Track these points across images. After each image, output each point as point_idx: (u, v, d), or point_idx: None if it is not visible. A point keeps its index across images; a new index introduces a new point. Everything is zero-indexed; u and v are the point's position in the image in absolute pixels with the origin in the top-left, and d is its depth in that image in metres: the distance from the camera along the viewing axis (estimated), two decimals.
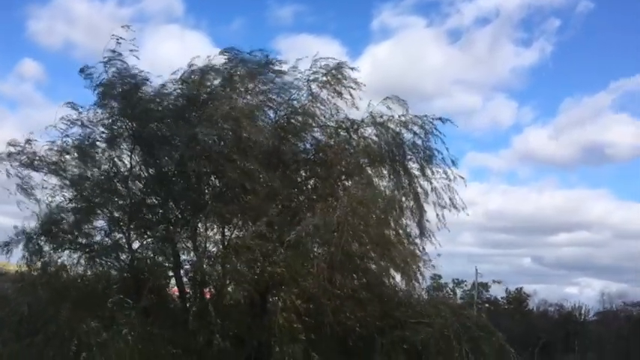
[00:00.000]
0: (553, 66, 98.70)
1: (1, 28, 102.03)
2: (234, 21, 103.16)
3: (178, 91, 19.40)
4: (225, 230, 19.00)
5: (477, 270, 60.43)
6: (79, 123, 20.41)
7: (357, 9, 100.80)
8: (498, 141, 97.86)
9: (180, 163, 18.36)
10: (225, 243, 17.99)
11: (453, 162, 19.97)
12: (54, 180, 20.63)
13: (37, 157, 20.30)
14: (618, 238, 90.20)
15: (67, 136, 20.50)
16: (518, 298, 62.25)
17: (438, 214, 20.13)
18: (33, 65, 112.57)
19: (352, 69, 19.91)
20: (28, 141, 19.98)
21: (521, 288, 62.93)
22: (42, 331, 16.64)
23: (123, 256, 19.99)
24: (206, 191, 18.80)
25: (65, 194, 20.74)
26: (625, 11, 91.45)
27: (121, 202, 20.30)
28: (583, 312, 52.18)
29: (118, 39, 19.27)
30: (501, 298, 65.62)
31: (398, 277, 19.29)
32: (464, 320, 18.27)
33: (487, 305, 58.95)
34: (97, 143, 20.26)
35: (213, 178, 18.29)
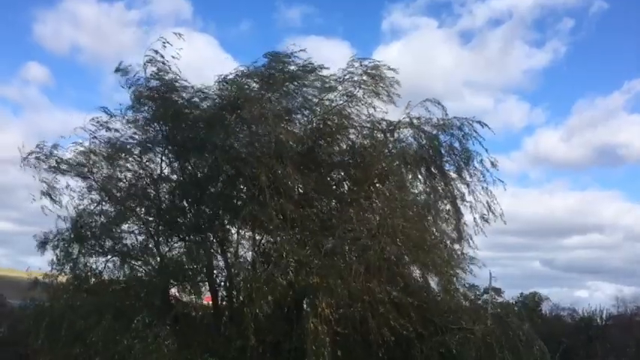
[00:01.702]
0: (566, 67, 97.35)
1: (7, 32, 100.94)
2: (242, 23, 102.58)
3: (215, 94, 18.47)
4: (258, 235, 18.01)
5: (490, 274, 59.29)
6: (108, 127, 19.59)
7: (366, 10, 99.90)
8: (510, 143, 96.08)
9: (214, 167, 17.44)
10: (259, 249, 16.94)
11: (492, 164, 18.99)
12: (81, 183, 19.85)
13: (64, 161, 19.48)
14: (630, 240, 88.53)
15: (95, 138, 19.70)
16: (532, 303, 60.88)
17: (475, 218, 19.17)
18: (39, 69, 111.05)
19: (391, 69, 18.88)
20: (55, 145, 19.22)
21: (535, 292, 61.48)
22: (80, 341, 15.75)
23: (152, 261, 19.11)
24: (240, 195, 17.75)
25: (93, 197, 19.94)
26: (638, 11, 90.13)
27: (151, 205, 19.42)
28: (604, 316, 50.74)
29: (164, 42, 18.41)
30: (514, 302, 64.21)
31: (435, 282, 18.42)
32: (506, 328, 17.28)
33: (499, 310, 57.69)
34: (128, 146, 19.38)
35: (247, 182, 17.21)
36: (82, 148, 19.57)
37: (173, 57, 18.50)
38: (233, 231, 18.90)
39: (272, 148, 16.58)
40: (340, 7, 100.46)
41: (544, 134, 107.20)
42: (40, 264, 19.77)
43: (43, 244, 19.05)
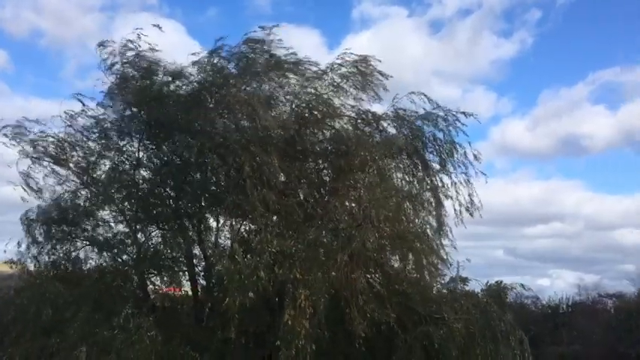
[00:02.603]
0: (533, 57, 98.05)
1: None
2: (210, 9, 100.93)
3: (194, 76, 17.89)
4: (239, 225, 17.51)
5: (458, 263, 59.48)
6: (86, 114, 18.98)
7: None
8: (476, 132, 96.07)
9: (194, 153, 16.90)
10: (242, 238, 16.42)
11: (475, 157, 18.65)
12: (58, 169, 19.17)
13: (40, 147, 18.79)
14: (590, 229, 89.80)
15: (71, 126, 19.06)
16: (497, 291, 60.93)
17: (455, 210, 18.90)
18: None
19: (379, 61, 18.48)
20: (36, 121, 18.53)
21: (501, 281, 61.46)
22: (56, 332, 15.16)
23: (130, 250, 18.57)
24: (221, 183, 17.21)
25: (69, 184, 19.30)
26: (604, 3, 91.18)
27: (129, 192, 18.80)
28: (570, 304, 51.36)
29: (139, 34, 17.89)
30: (480, 290, 64.15)
31: (416, 272, 18.16)
32: (488, 317, 17.10)
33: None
34: (106, 132, 18.75)
35: (230, 170, 16.69)
36: (60, 135, 18.97)
37: (151, 49, 18.06)
38: (213, 220, 18.45)
39: (256, 135, 16.10)
40: None
41: (510, 124, 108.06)
42: None
43: (29, 227, 18.35)
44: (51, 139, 18.89)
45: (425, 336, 16.49)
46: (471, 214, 18.71)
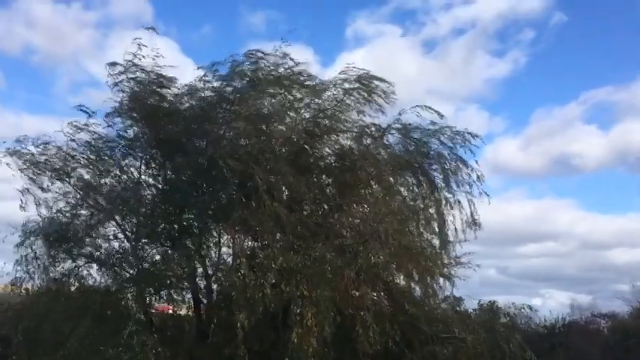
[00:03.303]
0: (526, 77, 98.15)
1: None
2: (204, 27, 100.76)
3: (202, 93, 17.70)
4: (246, 241, 17.20)
5: (453, 283, 59.04)
6: (87, 129, 18.70)
7: (331, 16, 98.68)
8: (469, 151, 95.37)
9: (201, 169, 16.61)
10: (250, 255, 16.09)
11: (478, 177, 18.50)
12: (59, 185, 18.86)
13: (43, 161, 18.50)
14: (583, 248, 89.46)
15: (73, 140, 18.75)
16: (490, 311, 60.47)
17: (455, 228, 18.69)
18: None
19: (381, 80, 18.42)
20: (45, 142, 18.28)
21: (494, 301, 61.03)
22: (61, 347, 14.77)
23: (130, 268, 18.19)
24: (228, 199, 16.89)
25: (69, 200, 18.95)
26: (597, 23, 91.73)
27: (130, 209, 18.45)
28: (566, 323, 50.88)
29: (139, 45, 17.66)
30: (473, 310, 63.63)
31: (423, 291, 17.92)
32: (496, 337, 16.83)
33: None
34: (109, 149, 18.49)
35: (238, 184, 16.42)
36: (60, 151, 18.65)
37: (154, 58, 17.88)
38: (215, 236, 18.13)
39: (266, 148, 15.92)
40: (305, 13, 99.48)
41: (503, 143, 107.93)
42: None
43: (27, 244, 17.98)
44: (52, 153, 18.58)
45: (432, 355, 16.26)
46: (476, 228, 18.43)
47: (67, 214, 18.78)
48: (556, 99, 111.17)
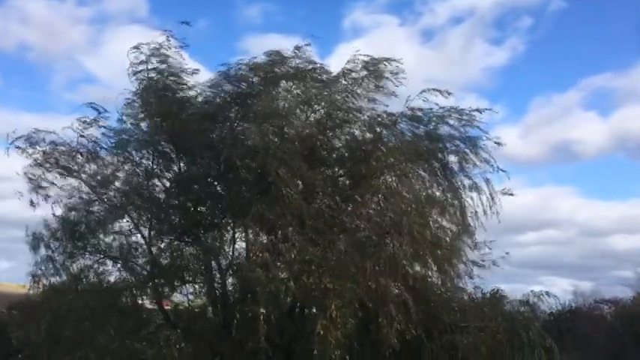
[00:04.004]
0: (524, 65, 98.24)
1: None
2: (200, 21, 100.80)
3: (219, 88, 17.89)
4: (266, 235, 17.28)
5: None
6: (98, 123, 18.78)
7: (327, 8, 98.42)
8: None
9: (218, 163, 16.72)
10: (272, 248, 16.19)
11: (497, 144, 18.38)
12: (70, 181, 18.89)
13: (54, 156, 18.53)
14: (584, 235, 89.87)
15: (83, 136, 18.78)
16: (494, 299, 60.74)
17: (476, 212, 18.65)
18: None
19: (395, 60, 18.45)
20: (52, 140, 18.25)
21: (497, 289, 61.32)
22: (82, 344, 14.89)
23: (147, 262, 18.31)
24: (246, 193, 17.01)
25: (83, 196, 19.00)
26: (595, 9, 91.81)
27: (144, 202, 18.53)
28: (570, 310, 51.28)
29: (168, 36, 17.89)
30: (477, 298, 63.92)
31: (440, 279, 18.07)
32: (516, 326, 16.98)
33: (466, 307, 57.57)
34: (123, 141, 18.55)
35: (256, 178, 16.53)
36: (70, 148, 18.67)
37: (177, 48, 18.07)
38: (231, 230, 18.23)
39: (281, 144, 16.04)
40: (301, 4, 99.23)
41: (502, 131, 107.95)
42: None
43: (36, 245, 18.05)
44: (62, 149, 18.60)
45: (451, 345, 16.39)
46: (496, 211, 18.35)
47: (80, 211, 18.83)
48: (555, 86, 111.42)
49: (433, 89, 18.40)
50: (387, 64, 18.39)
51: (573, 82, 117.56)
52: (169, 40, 17.89)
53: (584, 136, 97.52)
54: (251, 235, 16.95)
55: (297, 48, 18.06)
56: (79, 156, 18.81)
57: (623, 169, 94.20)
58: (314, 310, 16.08)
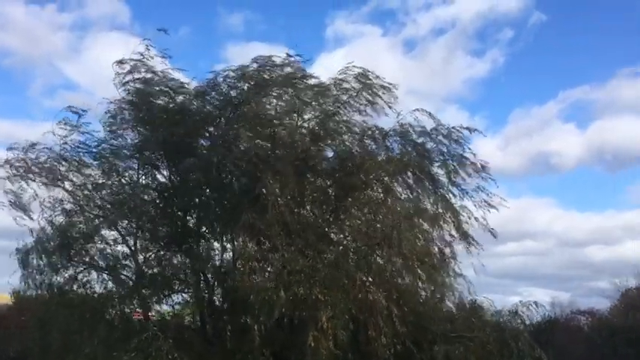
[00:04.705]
0: (504, 77, 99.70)
1: None
2: (182, 28, 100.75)
3: (208, 97, 18.01)
4: (255, 245, 17.40)
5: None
6: (79, 129, 18.83)
7: (310, 17, 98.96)
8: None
9: (215, 169, 16.80)
10: (259, 256, 16.34)
11: (482, 167, 18.66)
12: (53, 192, 18.83)
13: (37, 165, 18.43)
14: (561, 246, 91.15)
15: (66, 143, 18.78)
16: (473, 310, 61.20)
17: (465, 225, 18.98)
18: None
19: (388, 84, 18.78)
20: (33, 145, 18.22)
21: (475, 300, 61.82)
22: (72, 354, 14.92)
23: (132, 273, 18.34)
24: (235, 203, 17.12)
25: (65, 207, 18.96)
26: (575, 22, 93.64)
27: (130, 212, 18.53)
28: (549, 321, 51.86)
29: (147, 45, 18.01)
30: (464, 308, 64.24)
31: (429, 290, 18.33)
32: (505, 335, 17.31)
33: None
34: (108, 151, 18.59)
35: (244, 188, 16.67)
36: (53, 155, 18.63)
37: (162, 57, 18.24)
38: (220, 239, 18.35)
39: (271, 153, 16.21)
40: (283, 13, 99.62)
41: (482, 142, 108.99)
42: None
43: (25, 259, 17.98)
44: (44, 159, 18.53)
45: (441, 355, 16.63)
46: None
47: (64, 221, 18.78)
48: (534, 98, 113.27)
49: (424, 110, 18.81)
50: (380, 80, 18.62)
51: (553, 94, 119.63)
52: (149, 50, 18.04)
53: (562, 148, 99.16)
54: (241, 244, 16.98)
55: (288, 55, 18.23)
56: (63, 163, 18.69)
57: (600, 181, 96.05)
58: (304, 321, 16.21)
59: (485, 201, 18.58)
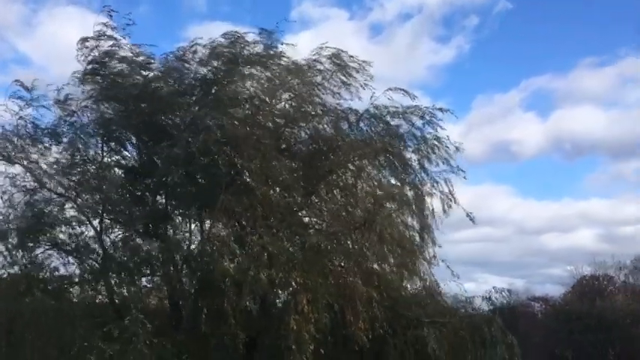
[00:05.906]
0: (469, 64, 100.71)
1: None
2: (142, 6, 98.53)
3: (175, 74, 17.95)
4: (231, 228, 17.54)
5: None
6: (34, 105, 18.56)
7: None
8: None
9: (198, 149, 16.79)
10: (240, 241, 16.48)
11: (457, 148, 19.10)
12: (12, 168, 18.58)
13: None
14: (518, 234, 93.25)
15: (22, 118, 18.51)
16: (445, 295, 62.32)
17: (433, 209, 19.45)
18: None
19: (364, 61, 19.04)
20: None
21: (442, 285, 62.91)
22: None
23: (100, 256, 18.28)
24: (210, 184, 17.19)
25: (26, 184, 18.73)
26: (540, 10, 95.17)
27: (93, 192, 18.39)
28: (506, 307, 53.22)
29: (109, 11, 17.70)
30: (427, 295, 65.31)
31: (403, 276, 18.80)
32: (478, 321, 17.92)
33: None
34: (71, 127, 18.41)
35: (220, 169, 16.74)
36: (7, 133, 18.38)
37: (125, 28, 18.14)
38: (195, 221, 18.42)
39: (247, 134, 16.32)
40: None
41: (447, 128, 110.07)
42: None
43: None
44: None
45: (414, 339, 17.16)
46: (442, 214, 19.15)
47: (23, 200, 18.56)
48: (498, 86, 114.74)
49: (399, 89, 19.12)
50: (354, 60, 18.85)
51: (515, 82, 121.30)
52: (108, 25, 17.92)
53: (522, 137, 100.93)
54: (217, 227, 17.10)
55: (262, 30, 18.31)
56: (19, 139, 18.41)
57: (558, 169, 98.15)
58: (282, 305, 16.51)
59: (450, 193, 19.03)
